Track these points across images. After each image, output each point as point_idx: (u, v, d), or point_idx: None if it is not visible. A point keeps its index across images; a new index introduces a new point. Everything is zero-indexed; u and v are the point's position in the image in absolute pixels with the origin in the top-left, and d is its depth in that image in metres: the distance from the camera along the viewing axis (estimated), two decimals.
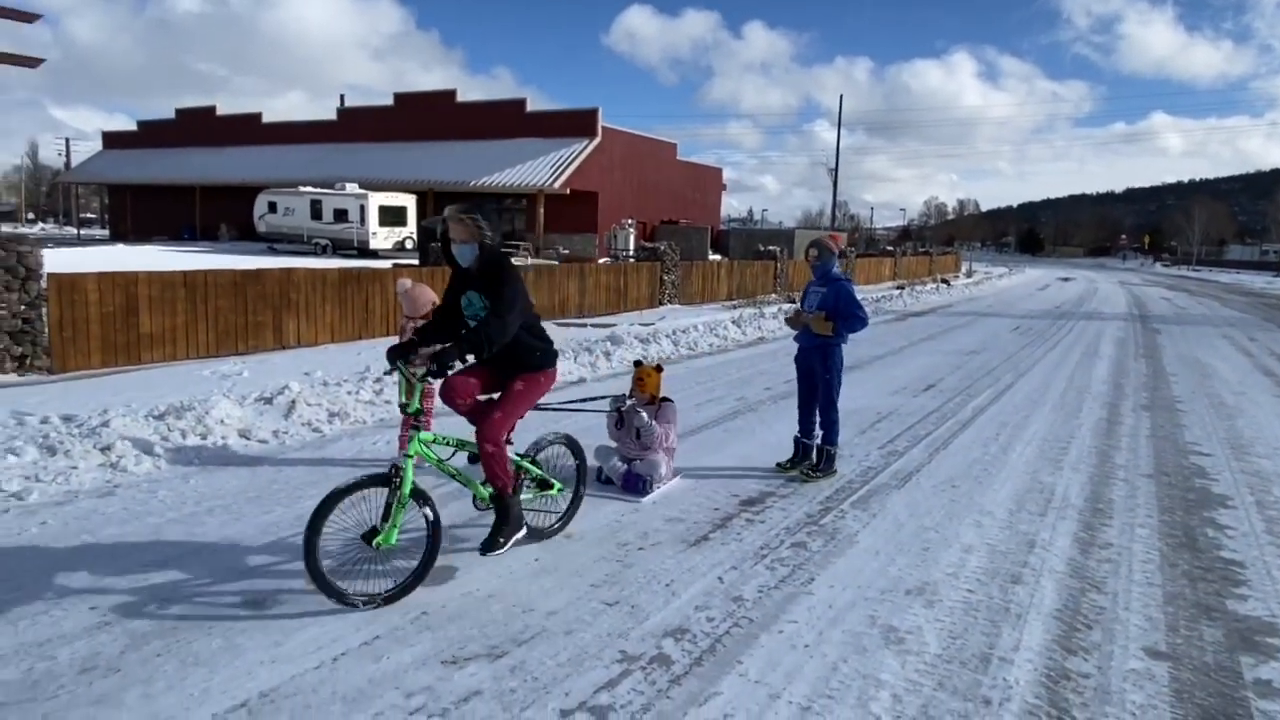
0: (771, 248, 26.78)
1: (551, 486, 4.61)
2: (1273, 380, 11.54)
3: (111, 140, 51.01)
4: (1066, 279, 46.67)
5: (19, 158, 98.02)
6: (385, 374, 4.25)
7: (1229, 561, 4.67)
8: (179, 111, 47.71)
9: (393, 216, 30.74)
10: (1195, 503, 5.74)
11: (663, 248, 20.26)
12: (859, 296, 6.13)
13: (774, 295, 24.01)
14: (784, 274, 25.65)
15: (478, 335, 3.86)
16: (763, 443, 6.87)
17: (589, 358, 10.66)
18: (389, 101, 40.87)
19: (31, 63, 9.17)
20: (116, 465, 5.56)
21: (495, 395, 4.20)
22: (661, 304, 19.60)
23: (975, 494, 5.71)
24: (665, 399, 5.84)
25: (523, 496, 4.38)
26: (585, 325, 15.00)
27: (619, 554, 4.46)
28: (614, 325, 14.48)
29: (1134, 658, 3.52)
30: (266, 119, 44.67)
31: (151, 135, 47.95)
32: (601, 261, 25.99)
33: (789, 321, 6.29)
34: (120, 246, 32.76)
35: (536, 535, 4.52)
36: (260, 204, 33.35)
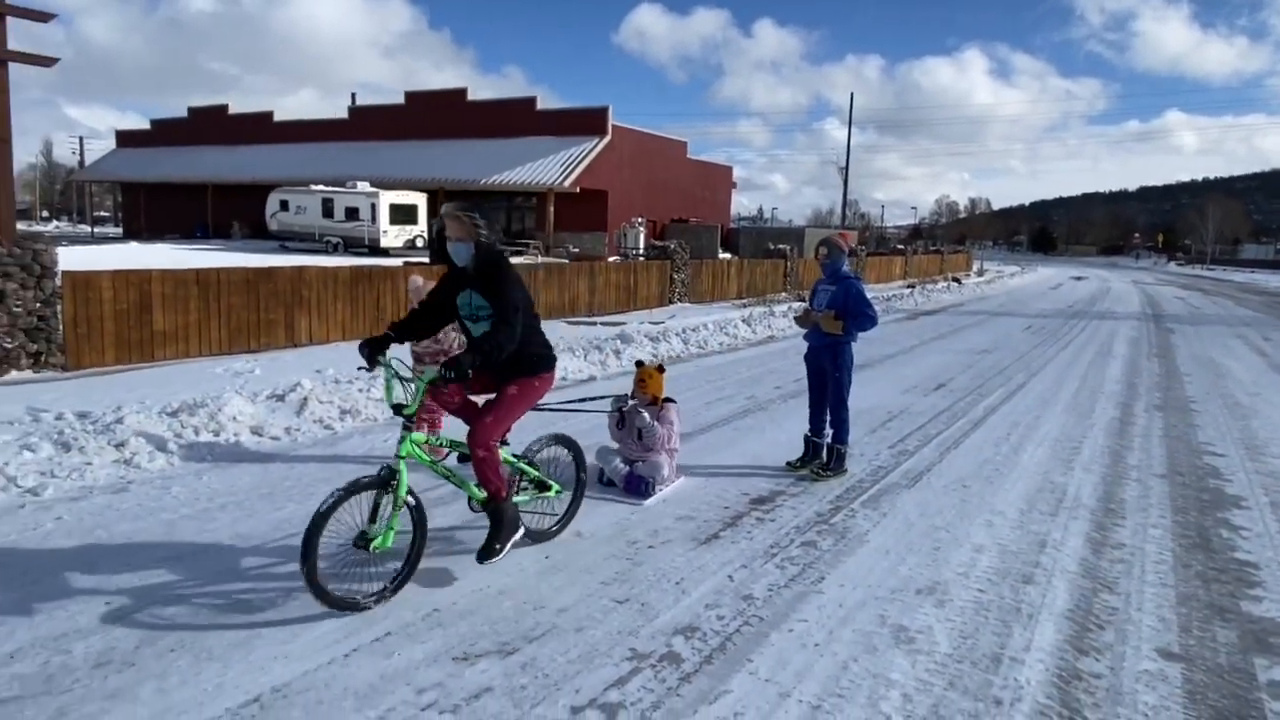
0: (781, 246, 26.73)
1: (550, 488, 4.54)
2: None
3: (125, 139, 51.33)
4: (1079, 278, 46.41)
5: (34, 156, 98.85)
6: (361, 370, 3.99)
7: (1243, 563, 4.64)
8: (191, 110, 47.97)
9: (404, 215, 30.84)
10: (1209, 503, 5.71)
11: (672, 246, 20.25)
12: (869, 295, 6.11)
13: (784, 294, 23.98)
14: (794, 272, 25.61)
15: (489, 343, 3.78)
16: (773, 441, 6.87)
17: (599, 356, 10.67)
18: (400, 100, 40.96)
19: (46, 62, 9.23)
20: (130, 462, 5.60)
21: (490, 396, 4.11)
22: (671, 302, 19.59)
23: (986, 494, 5.69)
24: (668, 399, 5.78)
25: (520, 498, 4.32)
26: (595, 324, 15.01)
27: (629, 552, 4.47)
28: (624, 324, 14.49)
29: (1146, 659, 3.50)
30: (278, 117, 44.84)
31: (164, 134, 48.24)
32: (611, 260, 26.00)
33: (798, 320, 6.28)
34: (133, 244, 32.99)
35: (535, 538, 4.45)
36: (272, 202, 33.50)
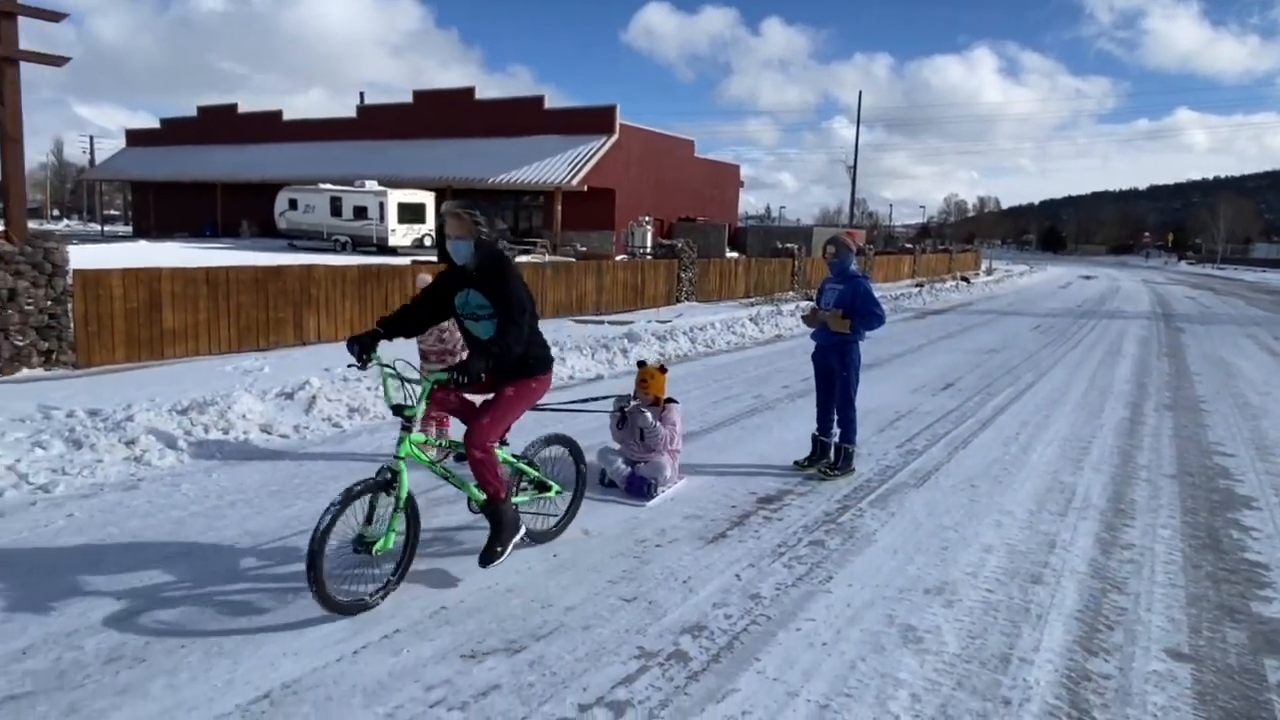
0: (789, 245, 26.68)
1: (549, 489, 4.49)
2: None
3: (135, 138, 51.58)
4: (1089, 277, 46.20)
5: (44, 155, 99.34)
6: (351, 367, 3.89)
7: (1253, 563, 4.62)
8: (201, 109, 48.18)
9: (411, 213, 30.89)
10: (1219, 504, 5.68)
11: (680, 245, 20.24)
12: (877, 294, 6.10)
13: (792, 293, 23.94)
14: (802, 271, 25.56)
15: (499, 345, 3.74)
16: (780, 441, 6.86)
17: (606, 354, 10.67)
18: (408, 99, 41.08)
19: (57, 61, 9.28)
20: (141, 459, 5.63)
21: (488, 396, 4.06)
22: (679, 301, 19.58)
23: (995, 493, 5.67)
24: (670, 400, 5.71)
25: (520, 499, 4.27)
26: (603, 322, 15.02)
27: (636, 550, 4.48)
28: (631, 322, 14.49)
29: (1156, 659, 3.49)
30: (287, 116, 45.02)
31: (174, 133, 48.47)
32: (619, 259, 25.99)
33: (806, 319, 6.26)
34: (143, 243, 33.13)
35: (534, 538, 4.40)
36: (281, 201, 33.60)
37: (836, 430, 6.08)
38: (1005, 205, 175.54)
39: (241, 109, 46.64)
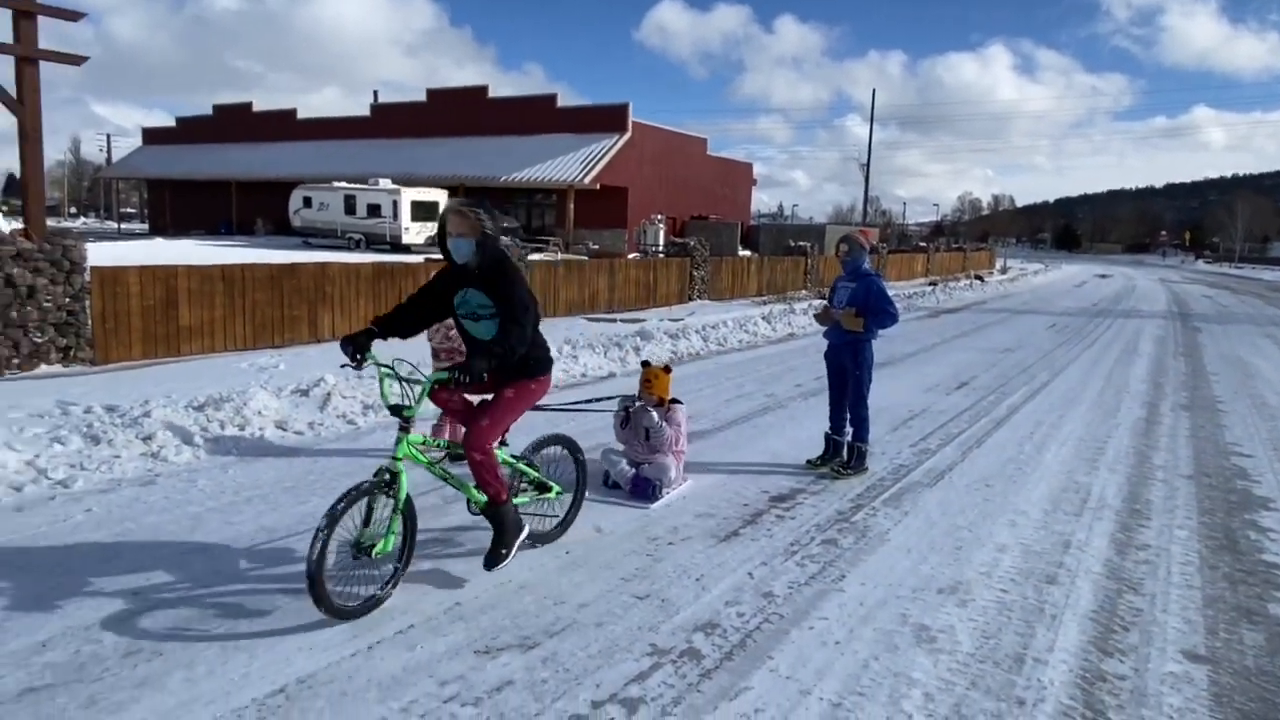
0: (802, 243, 26.62)
1: (550, 490, 4.42)
2: None
3: (151, 136, 51.99)
4: (1104, 276, 45.87)
5: (62, 153, 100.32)
6: (345, 367, 3.83)
7: (1271, 565, 4.58)
8: (216, 108, 48.49)
9: (425, 212, 30.97)
10: (1236, 505, 5.63)
11: (692, 243, 20.23)
12: (890, 292, 6.08)
13: (804, 291, 23.89)
14: (814, 270, 25.50)
15: (502, 345, 3.66)
16: (793, 439, 6.85)
17: (619, 353, 10.68)
18: (422, 98, 41.17)
19: (75, 60, 9.36)
20: (157, 455, 5.68)
21: (486, 397, 4.02)
22: (691, 300, 19.58)
23: (1009, 493, 5.65)
24: (674, 400, 5.62)
25: (520, 500, 4.19)
26: (615, 320, 15.03)
27: (649, 548, 4.48)
28: (643, 320, 14.49)
29: (1172, 660, 3.47)
30: (302, 115, 45.23)
31: (190, 131, 48.80)
32: (631, 257, 26.00)
33: (818, 318, 6.25)
34: (159, 240, 33.37)
35: (535, 539, 4.31)
36: (295, 199, 33.79)
37: (849, 429, 6.06)
38: (1020, 203, 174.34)
39: (256, 108, 46.90)
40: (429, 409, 4.11)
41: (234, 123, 46.47)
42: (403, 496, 3.62)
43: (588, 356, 10.13)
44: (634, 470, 5.37)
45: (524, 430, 4.49)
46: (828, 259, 26.20)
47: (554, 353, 9.72)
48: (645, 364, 5.77)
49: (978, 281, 32.06)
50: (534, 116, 36.89)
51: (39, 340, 8.41)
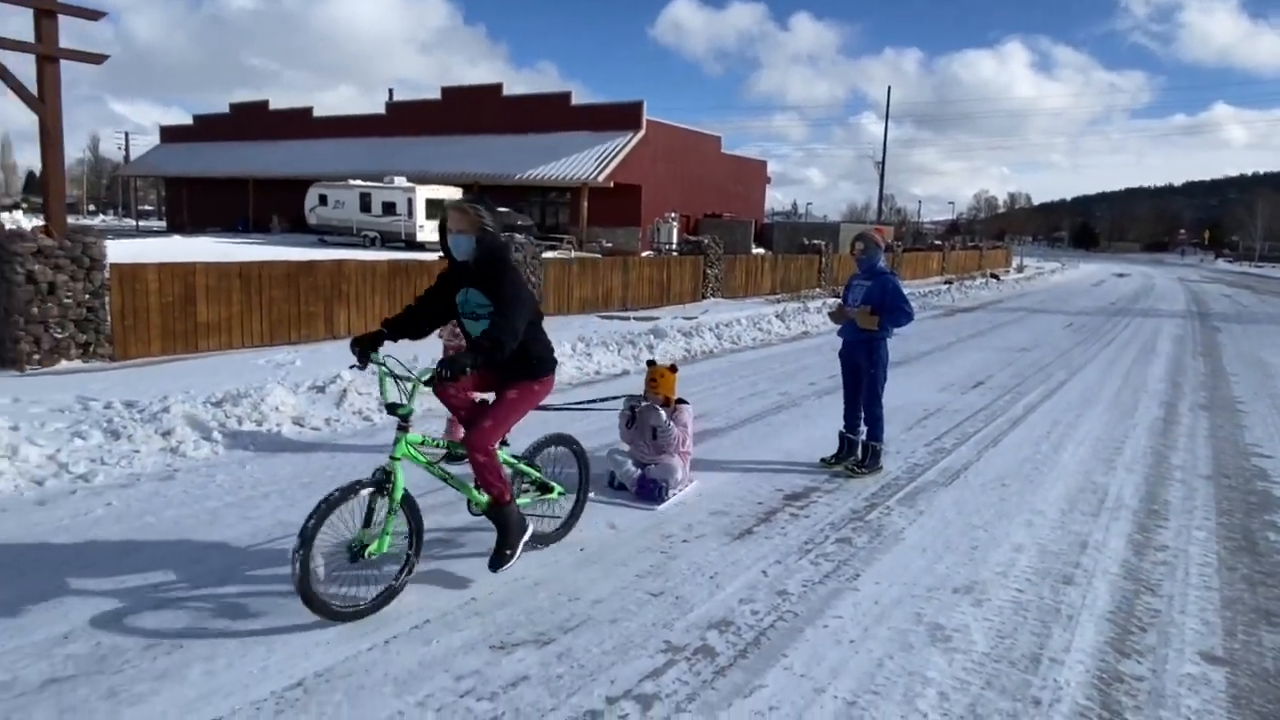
0: (816, 241, 26.55)
1: (552, 490, 4.38)
2: None
3: (168, 134, 52.43)
4: (1122, 275, 45.49)
5: (81, 151, 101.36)
6: (353, 369, 3.81)
7: None
8: (233, 106, 48.84)
9: (439, 209, 31.12)
10: (1256, 505, 5.58)
11: (706, 241, 20.21)
12: (905, 291, 6.06)
13: (818, 290, 23.82)
14: (829, 268, 25.42)
15: (489, 340, 3.59)
16: (807, 438, 6.84)
17: (632, 350, 10.69)
18: (437, 96, 41.31)
19: (96, 59, 9.45)
20: (176, 450, 5.74)
21: (489, 395, 4.00)
22: (704, 298, 19.56)
23: (1026, 493, 5.62)
24: (680, 400, 5.56)
25: (522, 501, 4.15)
26: (629, 318, 15.04)
27: (663, 545, 4.49)
28: (657, 318, 14.50)
29: (1190, 662, 3.44)
30: (318, 113, 45.50)
31: (207, 129, 49.17)
32: (645, 255, 26.00)
33: (833, 316, 6.24)
34: (177, 237, 33.66)
35: (536, 540, 4.22)
36: (311, 197, 34.00)
37: (864, 427, 6.05)
38: (1037, 201, 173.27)
39: (273, 106, 47.19)
40: (436, 408, 4.09)
41: (251, 121, 46.78)
42: (399, 496, 3.57)
43: (601, 354, 10.14)
44: (640, 471, 5.31)
45: (526, 430, 4.46)
46: (842, 257, 26.12)
47: (568, 350, 9.74)
48: (651, 363, 5.72)
49: (994, 280, 31.86)
50: (548, 114, 36.94)
51: (59, 336, 8.51)
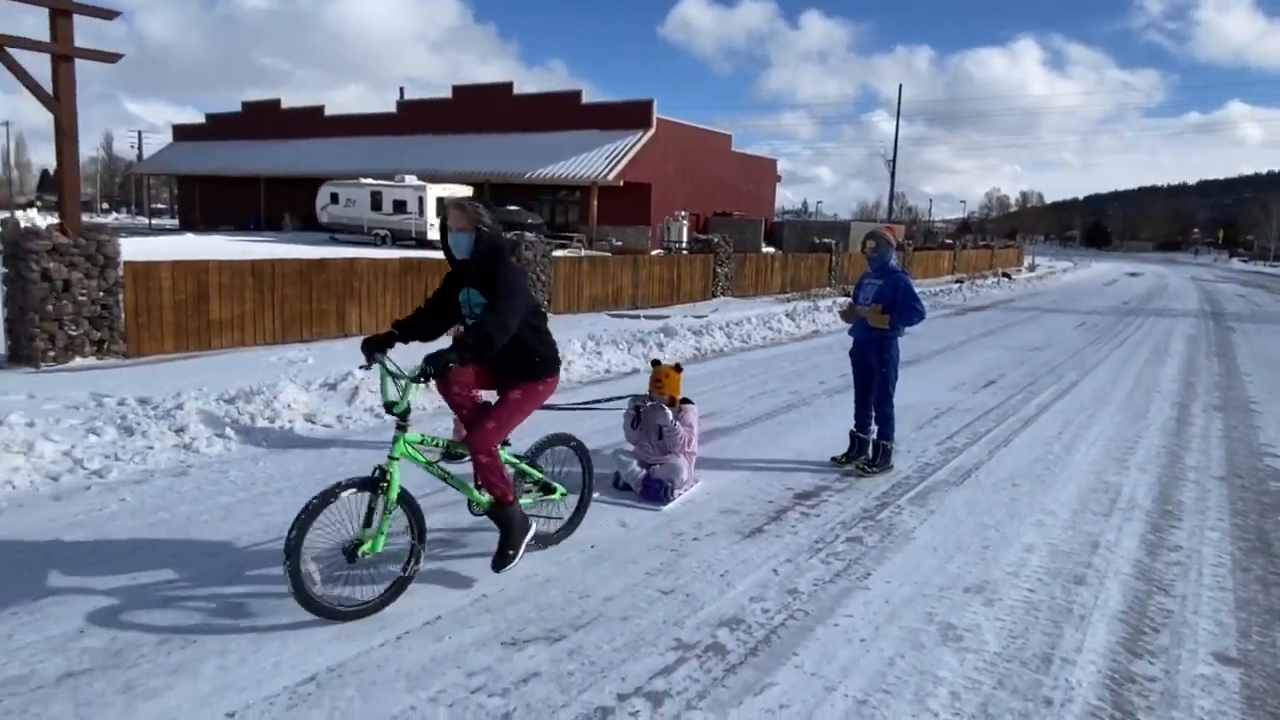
0: (826, 240, 26.48)
1: (554, 491, 4.34)
2: None
3: (181, 133, 52.76)
4: (1135, 274, 45.21)
5: (95, 150, 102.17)
6: (361, 368, 3.75)
7: None
8: (245, 105, 49.10)
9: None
10: (1270, 506, 5.54)
11: (716, 240, 20.20)
12: (916, 289, 6.04)
13: (829, 288, 23.77)
14: (839, 267, 25.36)
15: (476, 335, 3.55)
16: (817, 437, 6.83)
17: (642, 349, 10.69)
18: (447, 94, 41.44)
19: (110, 58, 9.51)
20: (190, 446, 5.78)
21: (493, 395, 3.99)
22: (714, 296, 19.55)
23: (1037, 493, 5.59)
24: (685, 400, 5.54)
25: (524, 501, 4.11)
26: (639, 317, 15.04)
27: (673, 543, 4.49)
28: (667, 317, 14.50)
29: (1203, 663, 3.43)
30: (329, 112, 45.70)
31: (219, 128, 49.44)
32: (654, 253, 26.01)
33: (844, 315, 6.23)
34: (189, 235, 33.88)
35: (538, 541, 4.18)
36: (323, 195, 34.16)
37: (875, 426, 6.03)
38: (1049, 200, 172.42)
39: (285, 104, 47.41)
40: (440, 408, 4.08)
41: (263, 119, 47.02)
42: (394, 495, 3.54)
43: (611, 352, 10.15)
44: (645, 471, 5.27)
45: (528, 430, 4.46)
46: (852, 256, 26.05)
47: (578, 348, 9.74)
48: (655, 363, 5.67)
49: (1005, 279, 31.72)
50: (559, 113, 36.99)
51: (74, 333, 8.57)
